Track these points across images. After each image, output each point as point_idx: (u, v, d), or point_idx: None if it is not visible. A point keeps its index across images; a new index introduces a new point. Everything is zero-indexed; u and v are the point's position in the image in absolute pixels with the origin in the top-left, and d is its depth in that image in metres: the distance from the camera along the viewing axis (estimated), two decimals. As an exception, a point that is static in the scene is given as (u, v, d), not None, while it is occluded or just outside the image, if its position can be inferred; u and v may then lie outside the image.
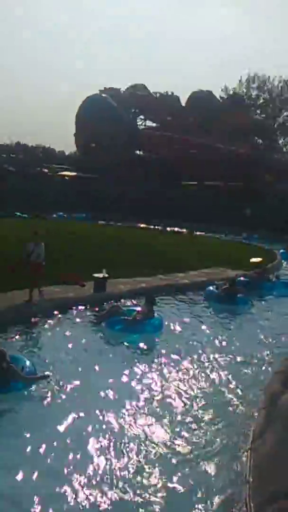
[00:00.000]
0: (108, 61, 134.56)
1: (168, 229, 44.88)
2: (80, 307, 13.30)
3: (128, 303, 14.13)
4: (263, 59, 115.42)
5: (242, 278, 18.01)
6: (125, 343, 10.71)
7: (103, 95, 70.91)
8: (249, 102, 71.94)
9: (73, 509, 5.20)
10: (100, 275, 14.89)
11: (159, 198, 54.83)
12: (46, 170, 64.75)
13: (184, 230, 43.87)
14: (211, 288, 16.31)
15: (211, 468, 6.07)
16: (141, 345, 10.74)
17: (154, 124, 75.32)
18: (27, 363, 8.34)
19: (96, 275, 14.93)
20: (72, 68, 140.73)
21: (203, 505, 5.39)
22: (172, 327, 12.27)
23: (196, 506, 5.38)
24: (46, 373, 8.22)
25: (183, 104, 74.36)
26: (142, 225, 48.02)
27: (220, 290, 15.92)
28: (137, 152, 70.10)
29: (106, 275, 14.94)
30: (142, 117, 76.11)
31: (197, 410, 7.61)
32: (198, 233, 42.82)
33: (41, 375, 8.13)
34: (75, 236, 28.93)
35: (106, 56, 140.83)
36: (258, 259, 24.03)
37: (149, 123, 76.28)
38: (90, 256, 20.36)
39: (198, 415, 7.45)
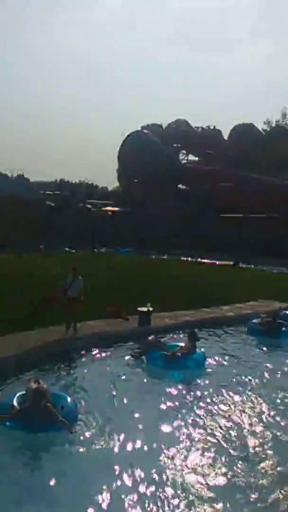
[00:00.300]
0: (152, 97, 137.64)
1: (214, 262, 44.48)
2: (124, 342, 13.20)
3: (173, 337, 13.99)
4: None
5: (286, 312, 17.34)
6: (167, 380, 10.44)
7: (145, 131, 72.16)
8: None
9: None
10: (145, 309, 14.83)
11: (200, 230, 54.69)
12: (89, 206, 65.83)
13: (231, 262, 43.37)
14: (254, 321, 15.96)
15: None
16: (184, 382, 10.43)
17: (196, 158, 75.88)
18: (69, 400, 8.15)
19: (140, 309, 14.88)
20: (115, 105, 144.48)
21: None
22: (215, 362, 11.99)
23: None
24: (73, 430, 7.64)
25: (226, 137, 74.81)
26: (187, 259, 47.86)
27: (263, 323, 15.55)
28: (180, 186, 70.47)
29: (151, 309, 14.86)
30: (184, 151, 76.82)
31: (247, 450, 7.30)
32: (245, 266, 42.25)
33: (70, 427, 7.60)
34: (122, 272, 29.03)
35: (149, 93, 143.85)
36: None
37: (191, 157, 76.89)
38: (136, 291, 20.20)
39: (249, 455, 7.14)
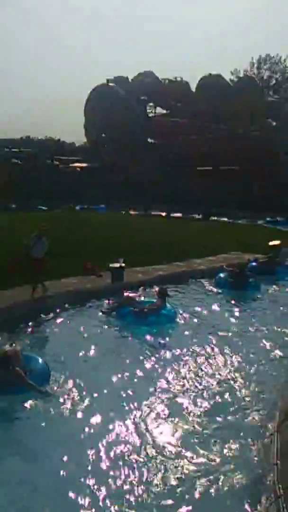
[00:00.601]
0: (116, 50, 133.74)
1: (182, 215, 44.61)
2: (97, 299, 13.19)
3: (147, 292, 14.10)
4: (275, 41, 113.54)
5: (253, 263, 17.56)
6: (137, 335, 10.44)
7: (111, 84, 70.44)
8: (261, 84, 70.85)
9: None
10: (117, 265, 14.83)
11: (172, 185, 54.36)
12: (57, 163, 64.63)
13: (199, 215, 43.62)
14: (221, 275, 15.96)
15: (238, 450, 6.06)
16: (154, 337, 10.37)
17: (164, 111, 74.69)
18: (40, 362, 8.05)
19: (112, 265, 14.88)
20: (80, 59, 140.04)
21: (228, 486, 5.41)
22: (186, 316, 11.97)
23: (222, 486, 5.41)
24: (48, 390, 7.54)
25: (193, 89, 73.58)
26: (156, 213, 47.84)
27: (230, 276, 15.58)
28: (149, 140, 69.57)
29: (123, 265, 14.85)
30: (151, 104, 75.44)
31: (219, 397, 7.53)
32: (214, 218, 42.49)
33: (44, 390, 7.45)
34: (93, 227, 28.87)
35: (113, 45, 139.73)
36: (277, 242, 23.75)
37: (159, 109, 75.61)
38: (108, 247, 20.21)
39: (221, 402, 7.38)
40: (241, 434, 6.44)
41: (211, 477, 5.58)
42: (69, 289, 13.54)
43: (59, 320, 11.44)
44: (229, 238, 27.24)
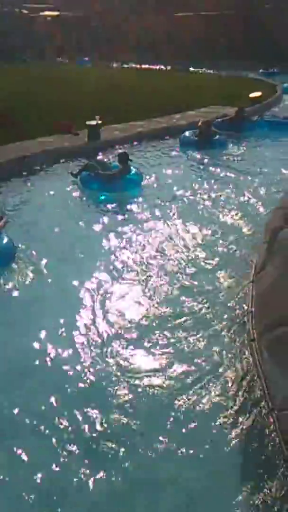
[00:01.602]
0: None
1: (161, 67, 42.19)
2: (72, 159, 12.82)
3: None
4: None
5: (219, 120, 16.73)
6: (102, 202, 10.03)
7: None
8: None
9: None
10: (93, 122, 14.28)
11: (144, 32, 50.59)
12: (26, 11, 59.15)
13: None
14: (186, 133, 15.06)
15: (218, 303, 6.29)
16: (118, 203, 9.97)
17: None
18: (4, 241, 7.43)
19: (88, 122, 14.33)
20: None
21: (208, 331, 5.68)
22: (151, 179, 11.48)
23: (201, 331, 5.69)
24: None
25: None
26: (134, 66, 45.20)
27: (195, 134, 14.77)
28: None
29: (100, 122, 14.32)
30: None
31: (197, 257, 7.59)
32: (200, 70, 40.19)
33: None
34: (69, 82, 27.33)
35: None
36: (257, 94, 22.92)
37: None
38: (88, 104, 19.00)
39: (199, 261, 7.45)
40: (220, 286, 6.66)
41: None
42: (42, 148, 13.09)
43: (29, 183, 11.20)
44: (212, 91, 26.03)
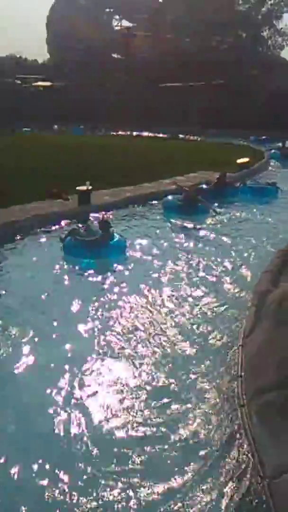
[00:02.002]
0: None
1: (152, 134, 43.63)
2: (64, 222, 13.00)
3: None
4: None
5: (204, 186, 16.89)
6: (81, 269, 9.75)
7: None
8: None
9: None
10: (84, 188, 14.62)
11: (140, 103, 52.63)
12: (19, 82, 61.66)
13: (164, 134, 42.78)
14: (169, 197, 15.22)
15: (206, 366, 6.27)
16: (100, 270, 9.70)
17: (130, 24, 71.07)
18: None
19: (79, 187, 14.66)
20: None
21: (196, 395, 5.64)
22: (136, 245, 11.30)
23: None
24: None
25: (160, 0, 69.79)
26: (121, 132, 46.73)
27: (179, 199, 14.86)
28: (114, 55, 66.62)
29: (90, 187, 14.66)
30: (117, 17, 71.63)
31: (185, 323, 7.54)
32: (190, 137, 41.58)
33: None
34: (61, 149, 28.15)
35: None
36: (245, 160, 23.73)
37: (125, 22, 71.93)
38: (77, 170, 19.66)
39: (187, 327, 7.41)
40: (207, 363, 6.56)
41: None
42: (33, 213, 13.30)
43: (19, 247, 11.18)
44: (201, 156, 26.91)
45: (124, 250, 10.73)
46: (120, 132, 47.16)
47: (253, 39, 63.64)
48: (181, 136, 42.58)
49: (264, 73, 53.21)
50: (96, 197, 15.16)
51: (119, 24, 72.07)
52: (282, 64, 58.25)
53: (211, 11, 57.39)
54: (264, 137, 39.66)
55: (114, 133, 47.24)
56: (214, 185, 17.28)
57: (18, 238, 11.64)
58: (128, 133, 46.34)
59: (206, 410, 5.36)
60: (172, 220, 13.96)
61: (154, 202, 16.03)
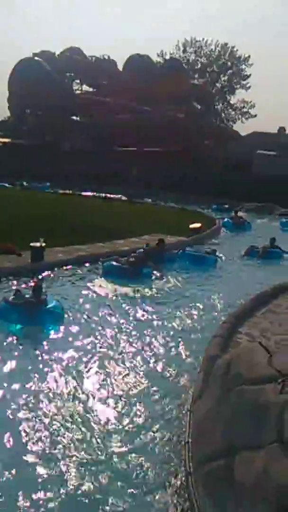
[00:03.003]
0: (42, 23, 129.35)
1: (110, 196, 44.14)
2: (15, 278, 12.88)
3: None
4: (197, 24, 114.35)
5: (141, 250, 16.15)
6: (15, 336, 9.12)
7: (36, 58, 68.23)
8: (187, 67, 71.56)
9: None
10: (37, 244, 14.64)
11: (96, 164, 53.68)
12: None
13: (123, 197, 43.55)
14: (113, 262, 14.71)
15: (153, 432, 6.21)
16: (29, 338, 9.21)
17: (90, 89, 73.58)
18: None
19: (33, 244, 14.66)
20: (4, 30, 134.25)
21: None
22: (75, 310, 10.89)
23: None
24: None
25: (120, 68, 72.97)
26: (81, 193, 47.12)
27: (123, 262, 14.62)
28: (74, 117, 68.35)
29: (43, 244, 14.70)
30: (78, 81, 74.03)
31: (130, 390, 7.52)
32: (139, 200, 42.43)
33: None
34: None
35: (40, 19, 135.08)
36: (197, 225, 24.39)
37: (85, 88, 74.40)
38: (31, 226, 19.64)
39: (134, 394, 7.40)
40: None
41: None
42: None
43: None
44: (158, 219, 27.46)
45: (60, 317, 10.00)
46: (70, 191, 47.25)
47: (207, 111, 67.15)
48: (137, 200, 43.30)
49: (219, 143, 55.71)
50: (50, 255, 15.16)
51: (80, 88, 74.37)
52: (234, 136, 61.17)
53: (167, 83, 60.39)
54: (226, 205, 40.10)
55: (66, 191, 47.28)
56: (153, 249, 16.74)
57: None
58: (82, 193, 46.69)
59: (152, 477, 5.27)
60: (115, 284, 13.44)
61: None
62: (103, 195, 44.01)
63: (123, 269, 14.24)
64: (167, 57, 72.54)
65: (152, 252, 16.32)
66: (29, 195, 36.08)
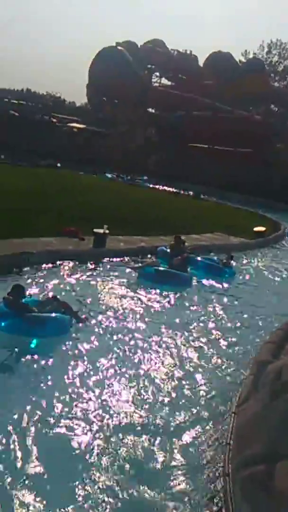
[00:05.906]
0: (128, 14, 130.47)
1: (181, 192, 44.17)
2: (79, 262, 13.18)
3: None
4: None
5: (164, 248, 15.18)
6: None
7: (119, 48, 68.87)
8: (269, 68, 70.31)
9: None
10: (101, 231, 14.87)
11: (167, 158, 53.72)
12: (54, 120, 63.38)
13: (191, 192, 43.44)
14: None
15: (197, 431, 6.23)
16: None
17: (169, 83, 73.58)
18: None
19: (96, 230, 14.90)
20: (90, 18, 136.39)
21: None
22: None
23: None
24: None
25: (201, 65, 72.48)
26: (151, 186, 47.48)
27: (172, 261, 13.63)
28: (150, 110, 68.56)
29: (107, 231, 14.91)
30: (157, 74, 74.19)
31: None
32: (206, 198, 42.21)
33: None
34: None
35: (126, 9, 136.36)
36: (262, 228, 24.04)
37: (164, 81, 74.48)
38: (97, 213, 20.03)
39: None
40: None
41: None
42: (47, 248, 13.51)
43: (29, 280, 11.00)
44: (217, 218, 27.24)
45: (67, 327, 8.75)
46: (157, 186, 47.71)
47: (282, 115, 65.59)
48: (202, 197, 43.02)
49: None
50: (112, 242, 15.36)
51: (159, 81, 74.50)
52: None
53: (247, 82, 59.52)
54: None
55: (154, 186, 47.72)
56: (171, 247, 15.06)
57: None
58: (159, 187, 47.00)
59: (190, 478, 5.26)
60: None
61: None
62: (173, 189, 44.13)
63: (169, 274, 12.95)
64: (250, 56, 71.49)
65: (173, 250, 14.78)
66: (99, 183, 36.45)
